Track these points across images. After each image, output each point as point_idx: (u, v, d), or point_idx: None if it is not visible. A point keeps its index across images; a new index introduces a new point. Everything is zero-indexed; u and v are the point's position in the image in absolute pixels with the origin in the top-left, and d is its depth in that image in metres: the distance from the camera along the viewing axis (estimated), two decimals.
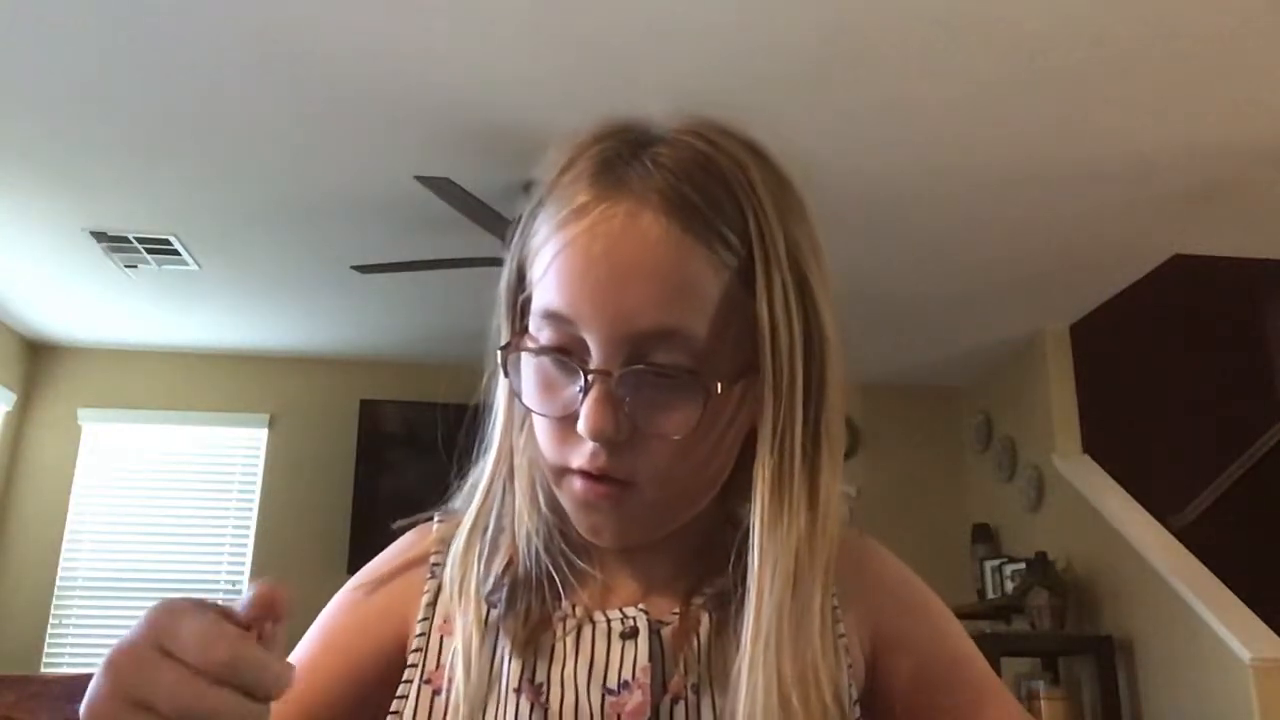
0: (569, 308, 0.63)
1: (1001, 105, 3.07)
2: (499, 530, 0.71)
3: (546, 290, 0.64)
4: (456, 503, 0.75)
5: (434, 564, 0.74)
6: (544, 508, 0.70)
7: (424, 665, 0.70)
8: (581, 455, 0.64)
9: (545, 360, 0.65)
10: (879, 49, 2.81)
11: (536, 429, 0.67)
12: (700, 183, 0.64)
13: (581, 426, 0.62)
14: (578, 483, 0.65)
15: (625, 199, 0.63)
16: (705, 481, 0.68)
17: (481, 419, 0.73)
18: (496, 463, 0.71)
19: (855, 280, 4.34)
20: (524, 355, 0.66)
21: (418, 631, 0.71)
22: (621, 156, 0.65)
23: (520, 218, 0.70)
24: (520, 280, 0.69)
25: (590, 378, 0.62)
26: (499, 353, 0.67)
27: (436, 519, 0.76)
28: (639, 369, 0.62)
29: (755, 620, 0.63)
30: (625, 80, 2.89)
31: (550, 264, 0.64)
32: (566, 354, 0.64)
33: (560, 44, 2.79)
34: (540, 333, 0.65)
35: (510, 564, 0.70)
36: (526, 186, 0.71)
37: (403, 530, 0.78)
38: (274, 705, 0.48)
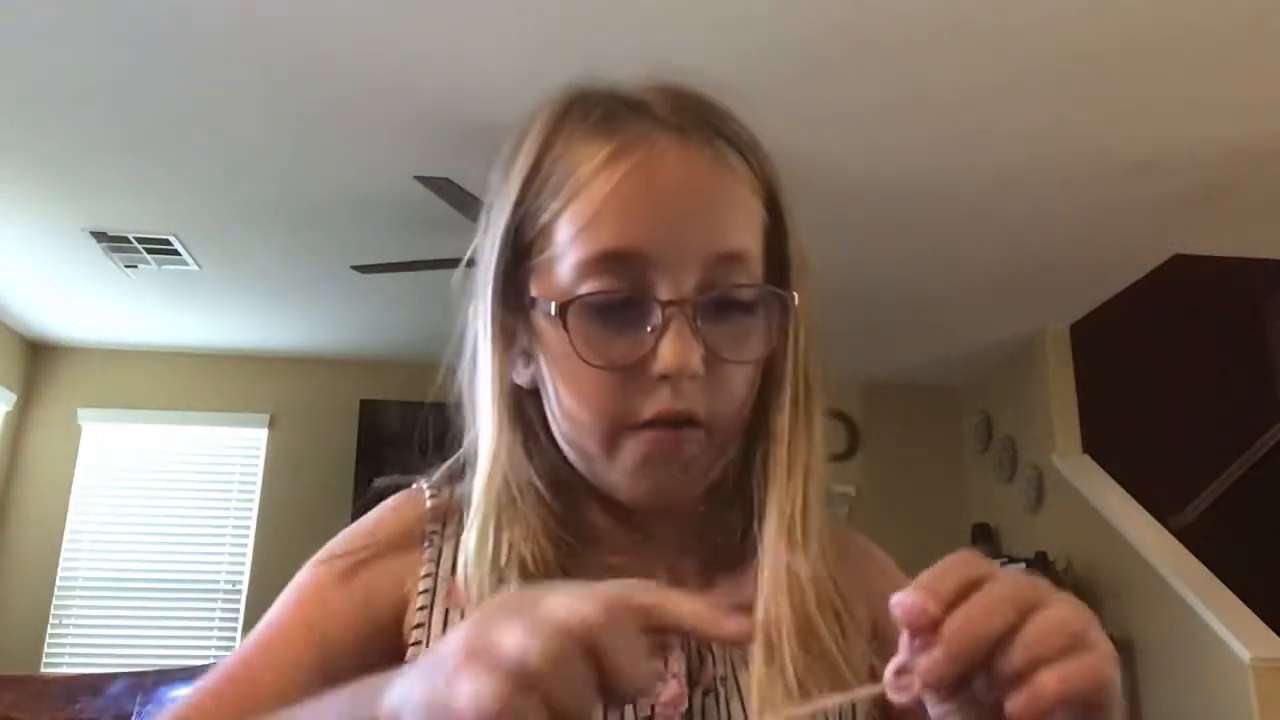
0: (637, 241, 0.62)
1: (1001, 105, 3.07)
2: (499, 534, 0.67)
3: (600, 234, 0.62)
4: (435, 476, 0.72)
5: (431, 532, 0.70)
6: (546, 495, 0.67)
7: (429, 642, 0.66)
8: (658, 400, 0.62)
9: (590, 314, 0.62)
10: (878, 49, 2.81)
11: (582, 394, 0.64)
12: (714, 115, 0.67)
13: (664, 363, 0.61)
14: (648, 436, 0.62)
15: (664, 133, 0.64)
16: (744, 420, 0.67)
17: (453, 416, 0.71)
18: (493, 466, 0.66)
19: (855, 280, 4.34)
20: (569, 312, 0.62)
21: (419, 605, 0.67)
22: (621, 105, 0.66)
23: (498, 188, 0.69)
24: (517, 252, 0.67)
25: (667, 311, 0.61)
26: (553, 312, 0.63)
27: (428, 492, 0.72)
28: (715, 295, 0.62)
29: (782, 535, 0.64)
30: (624, 72, 2.88)
31: (600, 206, 0.62)
32: (624, 297, 0.62)
33: (560, 44, 2.78)
34: (580, 285, 0.62)
35: (511, 567, 0.66)
36: None
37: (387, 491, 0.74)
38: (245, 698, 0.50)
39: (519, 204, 0.67)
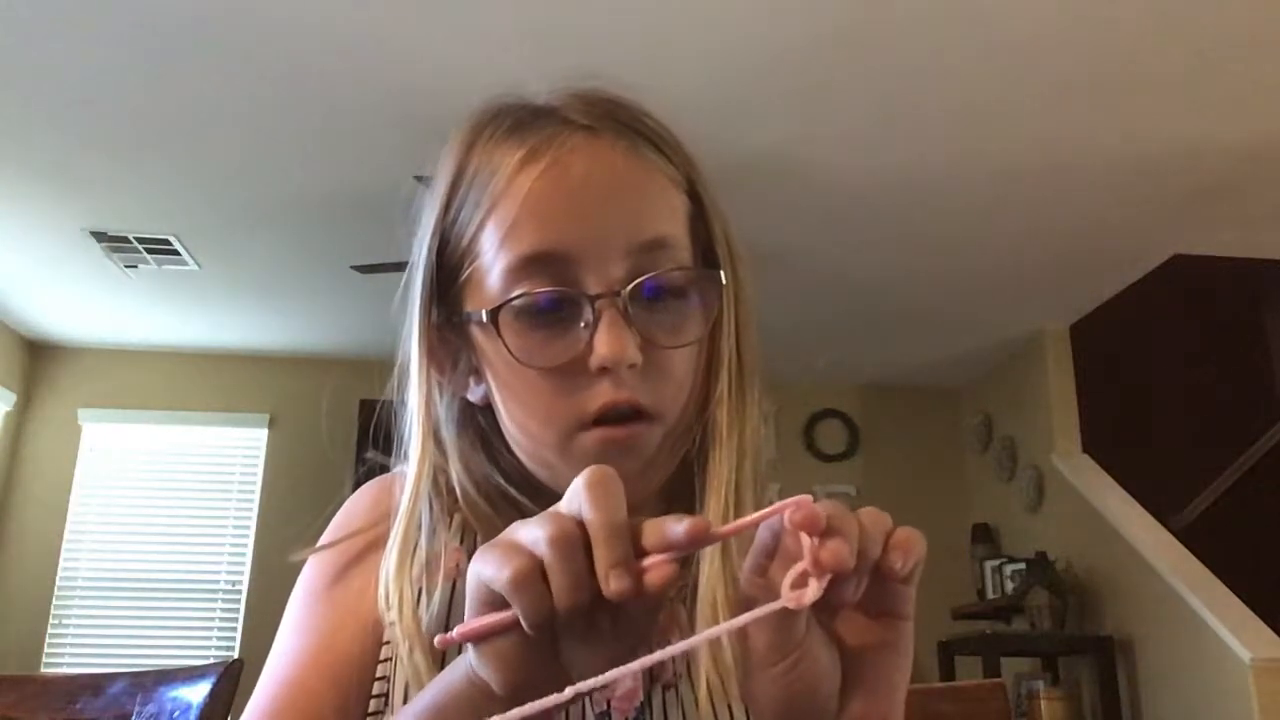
0: (560, 241, 0.62)
1: (1001, 106, 3.07)
2: (431, 544, 0.67)
3: (521, 239, 0.62)
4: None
5: None
6: (494, 498, 0.67)
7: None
8: (602, 394, 0.61)
9: (522, 318, 0.62)
10: (878, 51, 2.81)
11: (528, 401, 0.64)
12: (624, 112, 0.67)
13: (600, 356, 0.60)
14: (598, 433, 0.62)
15: (572, 133, 0.64)
16: (690, 412, 0.67)
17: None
18: (418, 475, 0.67)
19: (855, 280, 4.34)
20: (500, 319, 0.62)
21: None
22: (531, 113, 0.67)
23: (423, 211, 0.70)
24: (447, 272, 0.67)
25: (597, 304, 0.61)
26: (485, 320, 0.63)
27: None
28: (643, 283, 0.62)
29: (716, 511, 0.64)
30: (624, 82, 2.89)
31: (519, 211, 0.63)
32: (555, 298, 0.62)
33: (559, 46, 2.78)
34: (509, 292, 0.62)
35: (453, 579, 0.66)
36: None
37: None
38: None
39: (441, 223, 0.68)
